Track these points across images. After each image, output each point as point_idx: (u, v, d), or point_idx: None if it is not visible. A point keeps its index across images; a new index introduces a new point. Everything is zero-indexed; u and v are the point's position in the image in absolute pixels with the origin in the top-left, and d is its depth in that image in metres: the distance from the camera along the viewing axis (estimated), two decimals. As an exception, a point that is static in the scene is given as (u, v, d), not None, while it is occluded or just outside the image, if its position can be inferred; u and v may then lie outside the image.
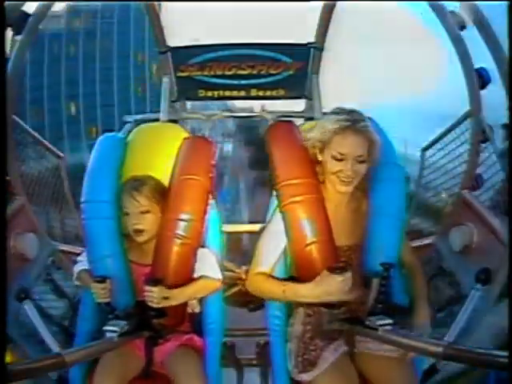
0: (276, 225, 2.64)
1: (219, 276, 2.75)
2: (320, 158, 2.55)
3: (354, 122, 2.43)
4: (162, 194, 2.71)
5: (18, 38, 2.95)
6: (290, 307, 2.71)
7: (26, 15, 2.89)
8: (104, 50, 48.19)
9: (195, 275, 2.73)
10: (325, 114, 2.65)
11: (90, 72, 47.39)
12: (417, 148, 5.09)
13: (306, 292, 2.45)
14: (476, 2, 2.91)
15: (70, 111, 47.46)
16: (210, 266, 2.74)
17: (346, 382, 2.42)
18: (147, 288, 2.53)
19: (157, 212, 2.68)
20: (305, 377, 2.54)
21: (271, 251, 2.66)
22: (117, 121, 39.88)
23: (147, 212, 2.66)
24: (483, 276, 2.45)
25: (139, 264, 2.74)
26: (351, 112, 2.49)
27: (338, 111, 2.52)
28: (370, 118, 2.72)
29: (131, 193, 2.64)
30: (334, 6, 4.25)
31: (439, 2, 3.03)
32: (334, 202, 2.57)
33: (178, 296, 2.62)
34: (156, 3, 4.27)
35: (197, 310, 2.83)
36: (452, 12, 3.04)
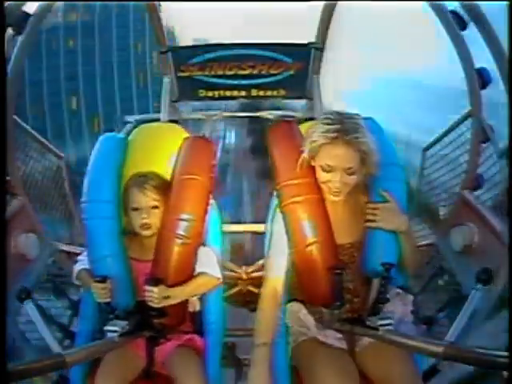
0: (280, 224, 2.65)
1: (219, 275, 2.76)
2: (313, 163, 2.55)
3: (343, 132, 2.36)
4: (167, 190, 2.73)
5: (19, 38, 2.96)
6: None
7: (27, 15, 2.89)
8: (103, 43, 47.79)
9: (195, 273, 2.74)
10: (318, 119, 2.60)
11: (90, 66, 47.14)
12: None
13: None
14: (476, 2, 2.91)
15: (71, 105, 47.01)
16: (209, 263, 2.75)
17: (347, 377, 2.41)
18: (148, 288, 2.53)
19: (162, 208, 2.70)
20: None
21: (280, 253, 2.66)
22: (119, 113, 39.72)
23: (156, 207, 2.68)
24: (484, 276, 2.44)
25: (139, 260, 2.74)
26: (343, 119, 2.41)
27: (329, 118, 2.44)
28: (370, 119, 2.72)
29: (141, 187, 2.65)
30: (335, 5, 4.25)
31: (439, 2, 3.03)
32: (331, 201, 2.57)
33: (178, 294, 2.63)
34: (156, 3, 4.26)
35: (197, 308, 2.84)
36: (452, 12, 3.04)
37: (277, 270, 2.67)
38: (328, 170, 2.43)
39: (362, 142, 2.37)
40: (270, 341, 2.53)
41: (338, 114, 2.46)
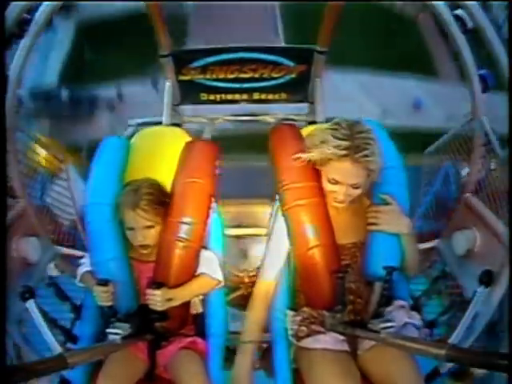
0: (280, 229, 2.66)
1: (220, 277, 2.76)
2: (319, 168, 2.55)
3: (353, 150, 2.35)
4: (162, 201, 2.70)
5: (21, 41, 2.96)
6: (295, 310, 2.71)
7: (29, 19, 2.89)
8: None
9: (196, 274, 2.75)
10: (327, 122, 2.60)
11: None
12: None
13: None
14: (477, 3, 2.91)
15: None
16: (210, 265, 2.76)
17: (349, 379, 2.41)
18: (150, 291, 2.54)
19: (159, 223, 2.69)
20: (310, 341, 2.59)
21: (276, 257, 2.72)
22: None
23: (151, 227, 2.67)
24: (486, 278, 2.44)
25: (141, 261, 2.75)
26: (354, 134, 2.38)
27: (340, 131, 2.41)
28: (371, 121, 2.72)
29: (134, 208, 2.61)
30: (338, 7, 4.21)
31: (442, 6, 3.03)
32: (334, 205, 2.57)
33: (179, 295, 2.64)
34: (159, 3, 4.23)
35: (199, 310, 2.83)
36: (455, 15, 3.03)
37: (270, 275, 2.70)
38: (334, 182, 2.44)
39: (370, 160, 2.38)
40: (257, 339, 2.67)
41: (349, 126, 2.43)
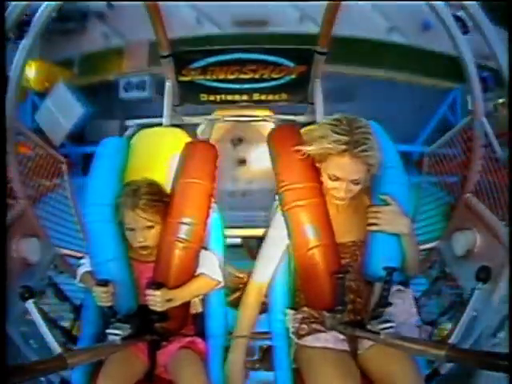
0: (276, 230, 2.66)
1: (219, 278, 2.75)
2: (318, 165, 2.55)
3: (352, 145, 2.35)
4: (161, 201, 2.69)
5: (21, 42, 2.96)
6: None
7: (29, 19, 2.89)
8: None
9: (196, 274, 2.74)
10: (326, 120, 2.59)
11: None
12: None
13: None
14: (476, 3, 2.91)
15: None
16: (210, 265, 2.75)
17: (349, 378, 2.41)
18: (149, 292, 2.53)
19: (159, 222, 2.68)
20: (310, 339, 2.58)
21: (270, 259, 2.72)
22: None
23: (151, 227, 2.66)
24: (483, 274, 2.44)
25: (141, 261, 2.75)
26: (353, 130, 2.39)
27: (339, 127, 2.41)
28: (371, 122, 2.72)
29: (134, 208, 2.60)
30: (338, 7, 4.20)
31: (442, 6, 3.03)
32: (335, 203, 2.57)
33: (179, 295, 2.63)
34: (159, 5, 4.23)
35: (199, 310, 2.84)
36: (455, 16, 3.03)
37: (262, 276, 2.73)
38: (334, 179, 2.44)
39: (370, 155, 2.38)
40: (248, 333, 2.71)
41: (348, 122, 2.43)
